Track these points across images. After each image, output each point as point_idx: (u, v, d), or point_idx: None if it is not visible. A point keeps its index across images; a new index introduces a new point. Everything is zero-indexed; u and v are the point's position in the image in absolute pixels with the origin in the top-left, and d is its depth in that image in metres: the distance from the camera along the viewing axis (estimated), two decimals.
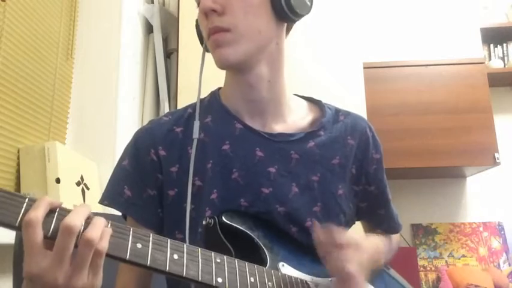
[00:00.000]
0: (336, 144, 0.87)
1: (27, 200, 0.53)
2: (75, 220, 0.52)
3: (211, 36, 0.77)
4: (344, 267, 0.69)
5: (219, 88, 0.92)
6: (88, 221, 0.54)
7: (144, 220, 0.82)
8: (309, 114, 0.90)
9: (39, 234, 0.51)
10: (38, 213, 0.51)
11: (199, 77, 0.85)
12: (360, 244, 0.74)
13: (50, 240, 0.52)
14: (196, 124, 0.82)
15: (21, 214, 0.51)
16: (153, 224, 0.82)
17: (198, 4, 0.81)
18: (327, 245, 0.71)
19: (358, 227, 0.98)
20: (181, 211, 0.80)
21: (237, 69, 0.82)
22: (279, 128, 0.85)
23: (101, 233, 0.53)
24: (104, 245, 0.53)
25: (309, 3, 0.82)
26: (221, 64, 0.78)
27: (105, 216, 0.58)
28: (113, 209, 0.85)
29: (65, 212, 0.55)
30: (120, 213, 0.86)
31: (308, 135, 0.86)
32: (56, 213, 0.54)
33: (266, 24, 0.79)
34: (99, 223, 0.54)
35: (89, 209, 0.56)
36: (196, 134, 0.81)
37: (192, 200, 0.80)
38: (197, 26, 0.86)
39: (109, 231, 0.55)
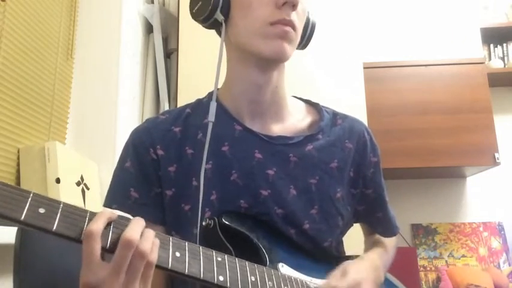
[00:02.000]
0: (334, 147, 0.87)
1: (88, 214, 0.54)
2: (135, 234, 0.55)
3: (280, 25, 0.76)
4: None
5: (217, 89, 0.92)
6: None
7: (156, 218, 0.82)
8: (307, 117, 0.91)
9: (98, 247, 0.53)
10: (98, 226, 0.53)
11: (220, 53, 0.81)
12: (361, 284, 0.75)
13: (104, 251, 0.54)
14: (213, 105, 0.80)
15: (25, 209, 0.51)
16: (164, 220, 0.83)
17: None
18: None
19: (355, 228, 0.98)
20: (178, 211, 0.80)
21: (273, 64, 0.81)
22: (277, 130, 0.86)
23: (152, 245, 0.56)
24: (155, 257, 0.56)
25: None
26: (277, 55, 0.77)
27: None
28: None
29: (119, 224, 0.57)
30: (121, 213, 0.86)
31: (307, 138, 0.86)
32: (112, 226, 0.56)
33: None
34: (150, 236, 0.57)
35: (143, 222, 0.58)
36: (212, 117, 0.79)
37: (189, 201, 0.80)
38: None
39: (157, 242, 0.57)
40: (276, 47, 0.76)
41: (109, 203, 0.83)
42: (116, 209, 0.83)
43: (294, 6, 0.75)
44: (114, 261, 0.54)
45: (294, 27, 0.77)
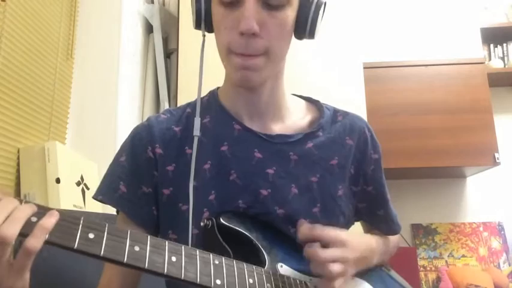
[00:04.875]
0: (335, 144, 0.87)
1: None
2: None
3: (240, 56, 0.74)
4: (326, 266, 0.69)
5: (218, 87, 0.92)
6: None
7: (136, 217, 0.82)
8: (307, 115, 0.90)
9: None
10: None
11: (200, 67, 0.82)
12: (345, 242, 0.74)
13: None
14: (197, 121, 0.81)
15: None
16: (145, 222, 0.82)
17: None
18: (309, 241, 0.72)
19: (356, 228, 0.98)
20: (176, 211, 0.80)
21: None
22: (277, 129, 0.85)
23: (17, 228, 0.51)
24: (35, 245, 0.52)
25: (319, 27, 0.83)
26: (242, 84, 0.78)
27: (106, 216, 0.58)
28: (112, 208, 0.85)
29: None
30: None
31: (307, 136, 0.85)
32: None
33: (288, 46, 0.80)
34: (17, 216, 0.52)
35: (13, 202, 0.53)
36: (197, 131, 0.80)
37: (186, 201, 0.79)
38: (197, 2, 0.79)
39: (45, 228, 0.52)
40: (240, 77, 0.76)
41: (97, 193, 0.83)
42: (101, 200, 0.83)
43: (253, 35, 0.72)
44: None
45: (261, 54, 0.74)
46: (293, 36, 0.81)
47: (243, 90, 0.83)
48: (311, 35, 0.80)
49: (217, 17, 0.77)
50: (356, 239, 0.79)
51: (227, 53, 0.76)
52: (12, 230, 0.51)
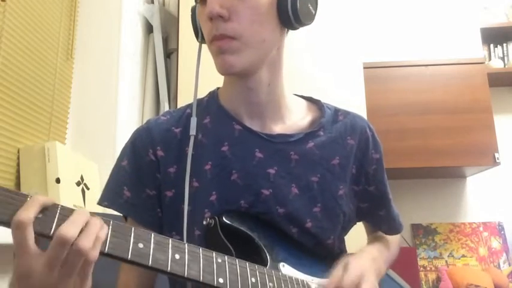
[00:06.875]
0: (336, 144, 0.87)
1: (28, 199, 0.53)
2: (71, 231, 0.51)
3: (215, 41, 0.76)
4: None
5: (218, 88, 0.92)
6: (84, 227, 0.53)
7: (143, 221, 0.82)
8: (308, 114, 0.90)
9: (30, 236, 0.50)
10: (29, 214, 0.50)
11: (196, 73, 0.85)
12: (362, 274, 0.73)
13: (47, 239, 0.52)
14: (193, 120, 0.81)
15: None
16: (153, 225, 0.82)
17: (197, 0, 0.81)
18: None
19: (356, 228, 0.98)
20: (179, 212, 0.80)
21: (238, 76, 0.81)
22: (278, 129, 0.85)
23: (93, 242, 0.52)
24: (95, 254, 0.53)
25: (313, 12, 0.82)
26: (224, 70, 0.77)
27: (105, 216, 0.58)
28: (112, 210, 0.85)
29: (66, 211, 0.54)
30: (119, 214, 0.86)
31: (307, 135, 0.85)
32: (57, 214, 0.53)
33: (271, 33, 0.79)
34: (93, 231, 0.53)
35: (86, 217, 0.54)
36: (193, 131, 0.80)
37: (189, 202, 0.80)
38: (193, 16, 0.84)
39: (101, 238, 0.53)
40: (219, 62, 0.77)
41: (101, 199, 0.84)
42: (106, 206, 0.83)
43: (223, 18, 0.73)
44: (47, 255, 0.51)
45: (230, 37, 0.74)
46: (286, 28, 0.81)
47: (240, 88, 0.83)
48: (298, 21, 0.78)
49: (198, 17, 0.80)
50: (366, 261, 0.79)
51: (209, 44, 0.79)
52: (95, 253, 0.53)
